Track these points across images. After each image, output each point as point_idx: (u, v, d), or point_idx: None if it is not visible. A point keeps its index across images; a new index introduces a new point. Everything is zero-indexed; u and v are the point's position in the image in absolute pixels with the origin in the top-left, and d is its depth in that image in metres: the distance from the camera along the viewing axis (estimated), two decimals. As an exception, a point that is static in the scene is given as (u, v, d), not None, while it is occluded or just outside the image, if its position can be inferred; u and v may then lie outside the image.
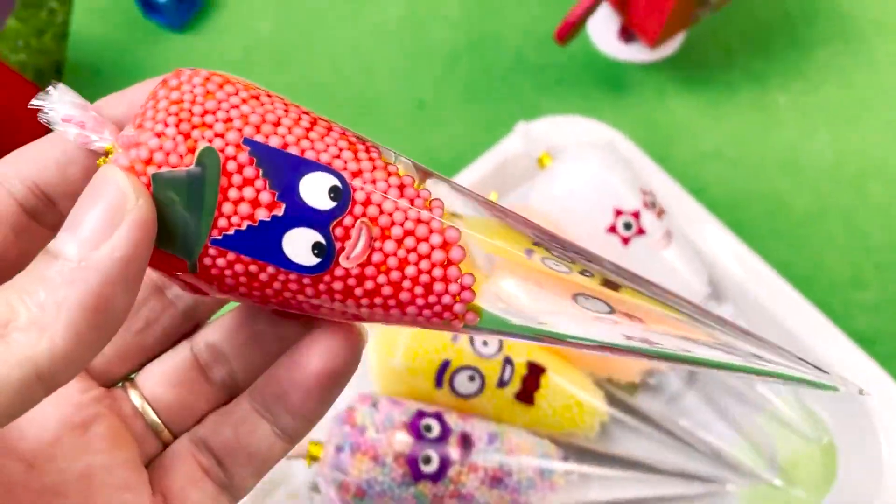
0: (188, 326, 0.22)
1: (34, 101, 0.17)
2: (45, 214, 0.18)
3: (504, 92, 0.48)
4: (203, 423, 0.22)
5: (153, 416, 0.22)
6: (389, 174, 0.18)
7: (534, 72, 0.49)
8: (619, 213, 0.38)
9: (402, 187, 0.18)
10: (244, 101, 0.18)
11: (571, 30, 0.43)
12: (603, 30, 0.49)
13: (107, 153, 0.17)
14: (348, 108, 0.49)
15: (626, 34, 0.48)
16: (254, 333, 0.22)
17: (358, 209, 0.17)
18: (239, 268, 0.17)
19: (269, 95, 0.18)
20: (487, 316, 0.18)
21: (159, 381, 0.22)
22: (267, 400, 0.21)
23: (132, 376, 0.23)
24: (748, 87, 0.48)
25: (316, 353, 0.20)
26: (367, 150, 0.18)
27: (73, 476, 0.20)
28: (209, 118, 0.17)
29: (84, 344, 0.16)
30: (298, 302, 0.18)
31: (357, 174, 0.18)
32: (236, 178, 0.17)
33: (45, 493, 0.20)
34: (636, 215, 0.38)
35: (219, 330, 0.22)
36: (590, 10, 0.42)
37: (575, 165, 0.40)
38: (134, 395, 0.22)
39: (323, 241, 0.17)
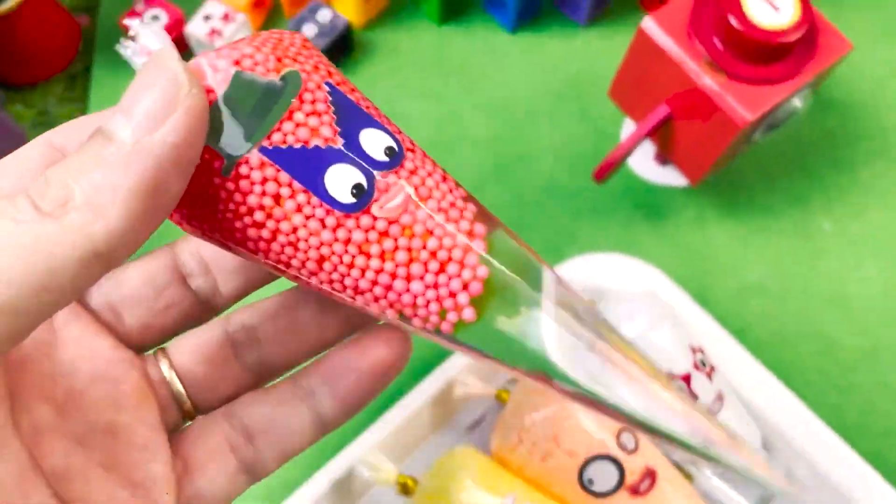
0: (206, 316, 0.23)
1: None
2: None
3: (536, 218, 0.46)
4: (240, 399, 0.23)
5: (179, 387, 0.22)
6: (435, 166, 0.19)
7: (567, 197, 0.47)
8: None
9: (444, 177, 0.19)
10: (331, 66, 0.19)
11: (612, 170, 0.41)
12: (639, 152, 0.47)
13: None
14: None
15: (663, 158, 0.46)
16: (296, 321, 0.22)
17: (403, 173, 0.19)
18: (270, 187, 0.18)
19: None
20: (487, 318, 0.19)
21: (189, 354, 0.23)
22: (314, 383, 0.22)
23: (163, 346, 0.23)
24: (791, 212, 0.46)
25: (382, 343, 0.21)
26: (425, 156, 0.20)
27: (99, 429, 0.21)
28: (301, 58, 0.18)
29: (138, 225, 0.16)
30: (303, 251, 0.18)
31: (411, 150, 0.19)
32: (307, 107, 0.18)
33: (71, 441, 0.20)
34: (687, 379, 0.36)
35: (257, 314, 0.23)
36: (631, 151, 0.40)
37: (620, 325, 0.38)
38: (163, 364, 0.23)
39: (364, 185, 0.18)
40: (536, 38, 0.51)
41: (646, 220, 0.46)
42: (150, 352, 0.23)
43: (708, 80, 0.36)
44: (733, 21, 0.35)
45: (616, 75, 0.42)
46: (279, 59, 0.18)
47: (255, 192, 0.18)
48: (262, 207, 0.18)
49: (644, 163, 0.47)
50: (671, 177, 0.47)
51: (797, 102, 0.38)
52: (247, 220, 0.18)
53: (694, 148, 0.40)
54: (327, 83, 0.18)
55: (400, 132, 0.19)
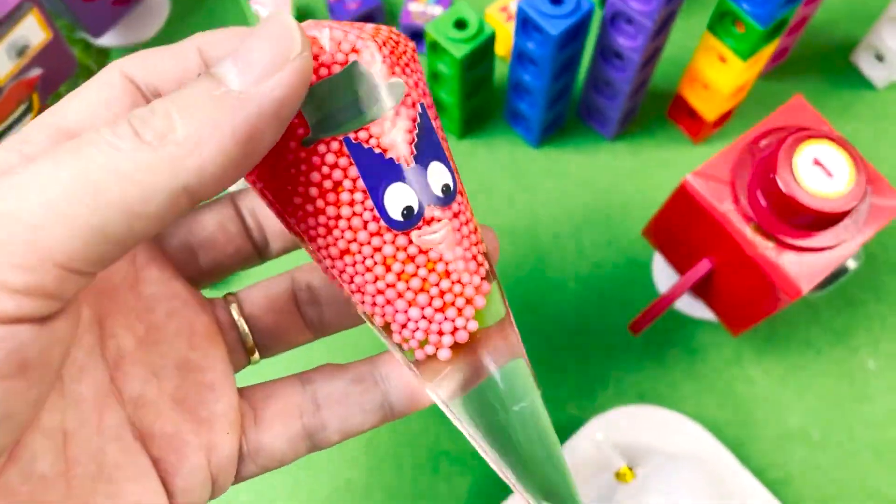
0: (257, 263, 0.25)
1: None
2: None
3: (565, 359, 0.44)
4: (319, 369, 0.24)
5: (246, 330, 0.24)
6: (472, 215, 0.21)
7: (597, 333, 0.44)
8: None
9: (476, 229, 0.21)
10: (426, 84, 0.20)
11: (649, 325, 0.38)
12: (669, 281, 0.44)
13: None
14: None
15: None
16: None
17: (448, 213, 0.20)
18: (337, 174, 0.19)
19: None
20: (457, 366, 0.20)
21: (258, 303, 0.24)
22: (391, 370, 0.23)
23: (233, 291, 0.25)
24: (833, 349, 0.44)
25: None
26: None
27: (173, 363, 0.22)
28: (408, 70, 0.20)
29: (230, 167, 0.16)
30: (335, 238, 0.20)
31: (461, 193, 0.21)
32: (399, 120, 0.19)
33: (148, 372, 0.21)
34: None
35: (320, 277, 0.25)
36: (670, 306, 0.38)
37: (663, 494, 0.35)
38: (234, 309, 0.24)
39: (415, 210, 0.19)
40: (561, 153, 0.49)
41: (681, 357, 0.44)
42: (223, 296, 0.25)
43: (756, 249, 0.34)
44: (783, 187, 0.32)
45: (653, 220, 0.40)
46: (394, 65, 0.19)
47: (322, 172, 0.19)
48: (319, 187, 0.19)
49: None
50: (707, 310, 0.44)
51: (851, 264, 0.35)
52: (301, 189, 0.19)
53: (738, 306, 0.37)
54: (421, 104, 0.19)
55: (457, 171, 0.21)
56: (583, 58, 0.45)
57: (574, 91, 0.48)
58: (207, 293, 0.25)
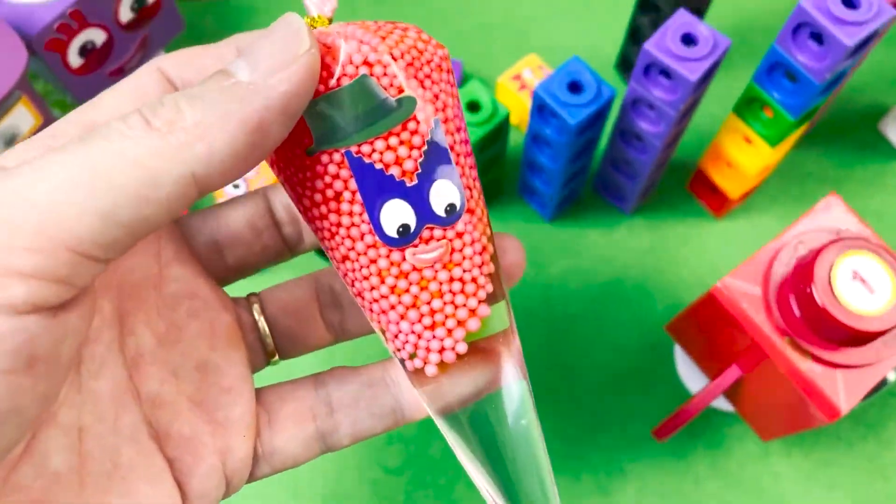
0: (288, 258, 0.25)
1: None
2: None
3: (582, 449, 0.42)
4: (332, 372, 0.24)
5: (267, 333, 0.24)
6: (482, 235, 0.20)
7: (616, 423, 0.42)
8: None
9: (483, 249, 0.20)
10: (452, 93, 0.20)
11: (675, 431, 0.36)
12: (693, 372, 0.42)
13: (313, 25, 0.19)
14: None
15: (722, 380, 0.41)
16: None
17: (450, 233, 0.20)
18: (338, 185, 0.19)
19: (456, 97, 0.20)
20: (443, 383, 0.20)
21: (281, 306, 0.24)
22: (403, 376, 0.23)
23: (255, 292, 0.25)
24: (865, 444, 0.42)
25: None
26: (482, 212, 0.21)
27: (192, 364, 0.22)
28: (428, 81, 0.19)
29: (237, 157, 0.17)
30: (338, 242, 0.20)
31: (471, 210, 0.20)
32: (406, 135, 0.19)
33: (167, 371, 0.21)
34: None
35: (343, 282, 0.24)
36: (698, 413, 0.36)
37: None
38: (256, 311, 0.24)
39: (412, 228, 0.19)
40: (576, 228, 0.47)
41: (704, 452, 0.41)
42: (244, 296, 0.25)
43: (791, 364, 0.32)
44: (821, 302, 0.30)
45: (677, 319, 0.38)
46: (408, 78, 0.18)
47: (324, 181, 0.19)
48: (322, 194, 0.19)
49: (700, 381, 0.42)
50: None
51: (891, 377, 0.33)
52: (307, 193, 0.20)
53: (770, 416, 0.35)
54: (436, 120, 0.19)
55: (472, 186, 0.20)
56: (602, 137, 0.43)
57: (591, 166, 0.46)
58: (233, 288, 0.25)
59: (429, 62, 0.19)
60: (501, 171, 0.46)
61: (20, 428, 0.16)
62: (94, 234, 0.15)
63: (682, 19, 0.34)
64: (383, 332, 0.21)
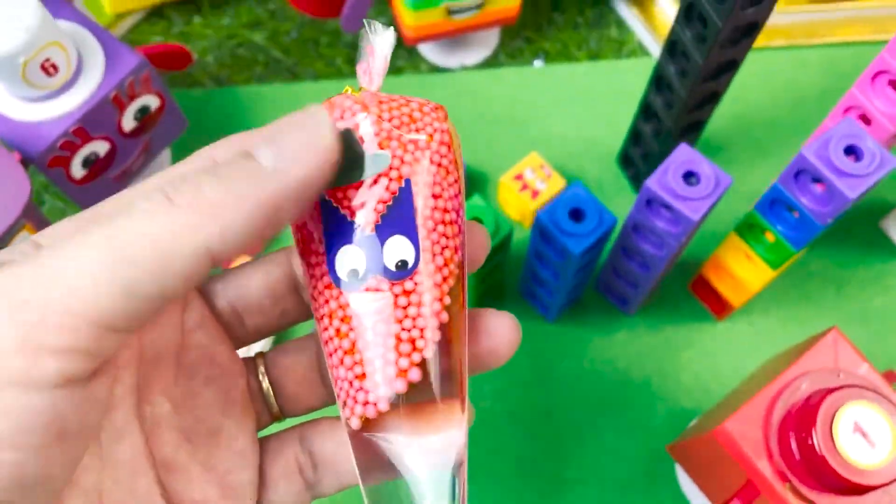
0: (306, 319, 0.25)
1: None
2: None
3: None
4: (315, 425, 0.24)
5: (272, 400, 0.24)
6: (434, 301, 0.20)
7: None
8: None
9: (436, 315, 0.20)
10: (440, 163, 0.21)
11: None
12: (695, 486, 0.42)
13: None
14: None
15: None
16: None
17: (397, 289, 0.20)
18: (311, 226, 0.21)
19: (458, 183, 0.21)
20: (366, 437, 0.21)
21: (284, 371, 0.25)
22: None
23: (262, 352, 0.25)
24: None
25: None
26: (448, 284, 0.21)
27: (206, 430, 0.22)
28: (410, 143, 0.20)
29: (252, 235, 0.18)
30: (308, 273, 0.22)
31: (430, 275, 0.20)
32: (375, 189, 0.20)
33: (181, 437, 0.22)
34: None
35: None
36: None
37: None
38: (263, 378, 0.24)
39: (359, 275, 0.20)
40: (578, 329, 0.47)
41: (705, 565, 0.41)
42: (252, 356, 0.25)
43: (792, 511, 0.32)
44: (821, 452, 0.30)
45: (679, 444, 0.38)
46: (388, 139, 0.20)
47: (306, 220, 0.21)
48: (301, 232, 0.21)
49: (703, 498, 0.42)
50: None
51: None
52: (295, 233, 0.22)
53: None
54: (407, 180, 0.20)
55: (442, 254, 0.21)
56: (605, 249, 0.43)
57: (594, 270, 0.46)
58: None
59: (417, 120, 0.21)
60: (503, 276, 0.46)
61: (50, 494, 0.17)
62: (115, 308, 0.17)
63: (684, 156, 0.34)
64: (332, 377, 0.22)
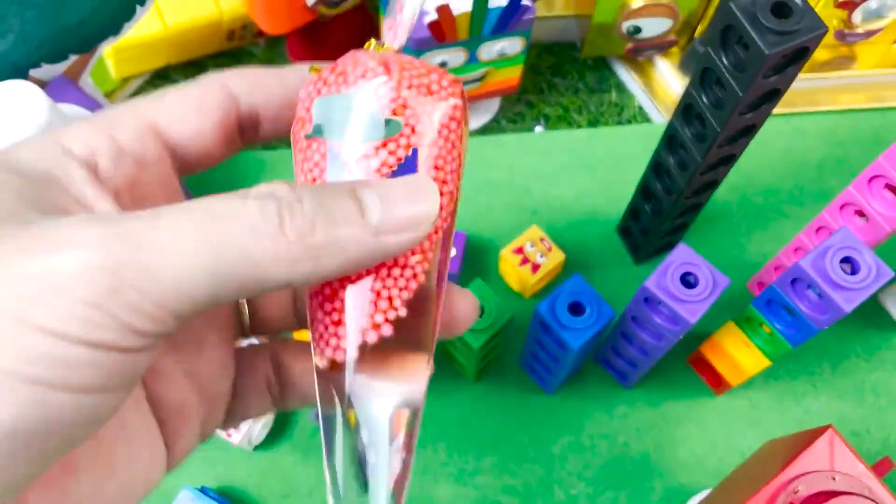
0: None
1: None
2: (248, 130, 0.23)
3: None
4: (286, 344, 0.25)
5: (247, 319, 0.25)
6: (422, 267, 0.21)
7: None
8: None
9: (415, 277, 0.21)
10: (447, 137, 0.21)
11: None
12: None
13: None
14: None
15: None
16: None
17: None
18: (316, 172, 0.21)
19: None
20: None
21: (263, 295, 0.24)
22: None
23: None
24: None
25: None
26: (433, 254, 0.21)
27: (191, 339, 0.23)
28: (421, 107, 0.21)
29: (328, 278, 0.19)
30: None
31: (433, 241, 0.21)
32: (382, 152, 0.20)
33: (166, 345, 0.22)
34: None
35: None
36: None
37: None
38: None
39: None
40: (577, 402, 0.47)
41: None
42: None
43: None
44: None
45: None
46: (403, 107, 0.20)
47: (312, 162, 0.21)
48: (305, 175, 0.21)
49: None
50: None
51: None
52: (298, 168, 0.22)
53: None
54: (414, 150, 0.21)
55: (445, 231, 0.21)
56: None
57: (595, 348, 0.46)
58: None
59: (435, 101, 0.21)
60: (501, 350, 0.46)
61: (94, 429, 0.18)
62: (192, 310, 0.17)
63: (682, 257, 0.35)
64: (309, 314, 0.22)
